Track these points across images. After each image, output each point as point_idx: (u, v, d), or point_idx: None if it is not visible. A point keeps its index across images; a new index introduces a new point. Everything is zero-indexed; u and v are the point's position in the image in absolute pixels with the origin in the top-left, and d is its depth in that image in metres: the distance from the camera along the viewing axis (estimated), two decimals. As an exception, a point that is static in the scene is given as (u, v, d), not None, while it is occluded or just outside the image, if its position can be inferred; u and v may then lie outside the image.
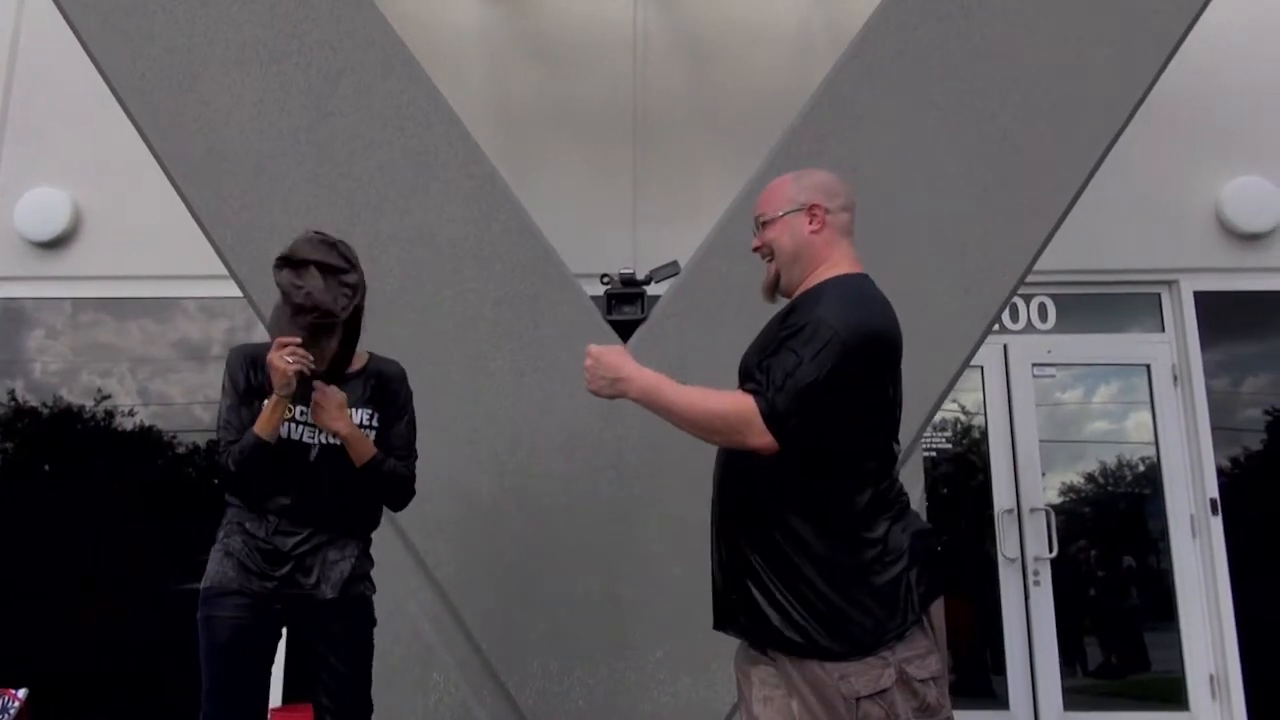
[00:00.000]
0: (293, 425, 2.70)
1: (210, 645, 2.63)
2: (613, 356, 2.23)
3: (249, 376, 2.75)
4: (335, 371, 2.75)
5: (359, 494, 2.78)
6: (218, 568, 2.69)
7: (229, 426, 2.73)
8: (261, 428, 2.63)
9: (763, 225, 2.34)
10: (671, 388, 2.17)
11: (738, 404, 2.07)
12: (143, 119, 3.75)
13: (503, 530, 3.58)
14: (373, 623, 2.79)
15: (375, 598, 2.83)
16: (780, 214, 2.31)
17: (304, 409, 2.71)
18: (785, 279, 2.31)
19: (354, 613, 2.74)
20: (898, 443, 2.23)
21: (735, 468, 2.22)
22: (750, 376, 2.14)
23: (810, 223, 2.28)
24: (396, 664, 3.47)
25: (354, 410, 2.75)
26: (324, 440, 2.73)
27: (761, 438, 2.05)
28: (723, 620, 2.23)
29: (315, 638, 2.69)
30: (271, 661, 2.74)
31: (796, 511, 2.10)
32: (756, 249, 2.36)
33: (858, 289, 2.19)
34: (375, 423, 2.80)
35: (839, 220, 2.30)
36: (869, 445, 2.14)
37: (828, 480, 2.11)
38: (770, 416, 2.03)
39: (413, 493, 2.90)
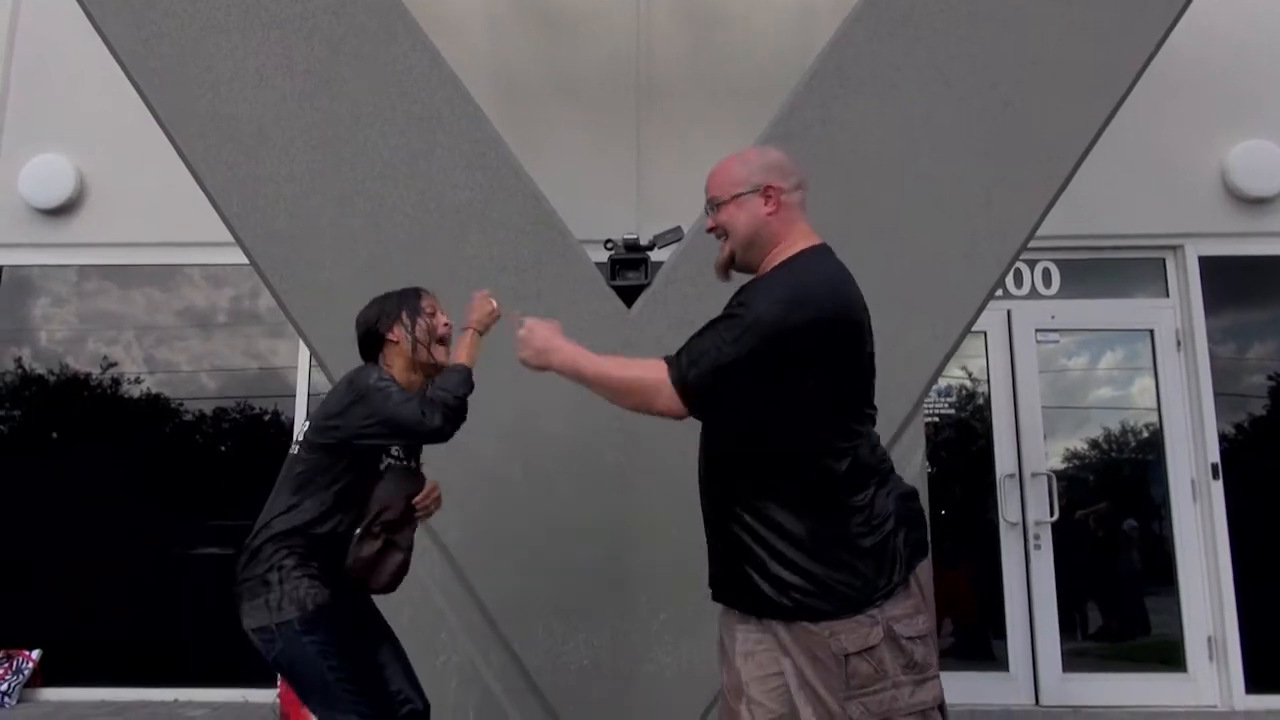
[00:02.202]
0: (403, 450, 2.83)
1: (337, 656, 2.58)
2: (544, 329, 2.35)
3: None
4: None
5: None
6: (309, 590, 2.59)
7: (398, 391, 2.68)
8: (469, 357, 2.81)
9: (716, 206, 2.33)
10: (589, 358, 2.29)
11: (648, 371, 2.19)
12: (146, 85, 3.75)
13: (508, 496, 3.62)
14: None
15: None
16: (733, 195, 2.30)
17: None
18: (742, 259, 2.32)
19: None
20: (873, 406, 2.26)
21: (715, 453, 2.27)
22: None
23: (766, 204, 2.27)
24: (405, 626, 3.50)
25: None
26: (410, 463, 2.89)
27: (669, 403, 2.16)
28: (718, 595, 2.29)
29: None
30: None
31: (779, 489, 2.14)
32: (711, 230, 2.36)
33: (805, 272, 2.21)
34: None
35: (794, 199, 2.30)
36: (838, 417, 2.17)
37: (801, 456, 2.14)
38: (678, 384, 2.14)
39: None
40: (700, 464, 2.32)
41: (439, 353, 2.84)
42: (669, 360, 2.18)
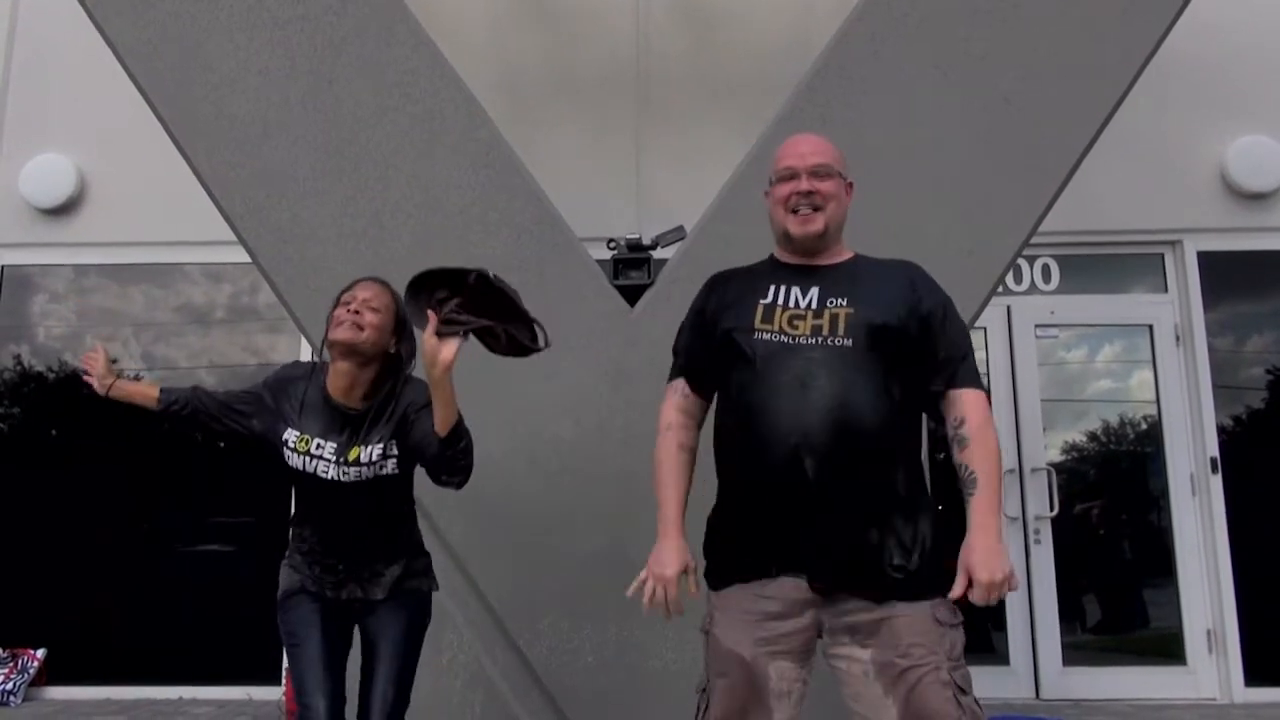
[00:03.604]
0: (307, 459, 2.67)
1: (293, 639, 2.70)
2: (1007, 561, 2.13)
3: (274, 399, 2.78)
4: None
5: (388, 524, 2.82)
6: (283, 576, 2.81)
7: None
8: None
9: (823, 175, 2.34)
10: (993, 495, 2.21)
11: (992, 421, 2.31)
12: (147, 85, 3.75)
13: (512, 493, 3.63)
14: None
15: None
16: (839, 172, 2.37)
17: (320, 441, 2.67)
18: (831, 237, 2.36)
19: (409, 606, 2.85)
20: None
21: (868, 414, 2.20)
22: (942, 358, 2.32)
23: (847, 196, 2.41)
24: (410, 624, 3.54)
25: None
26: (339, 477, 2.67)
27: None
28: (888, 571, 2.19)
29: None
30: (346, 652, 2.79)
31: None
32: (806, 193, 2.32)
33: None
34: (395, 450, 2.73)
35: None
36: None
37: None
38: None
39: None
40: (833, 425, 2.18)
41: (337, 333, 2.67)
42: (980, 385, 2.31)
